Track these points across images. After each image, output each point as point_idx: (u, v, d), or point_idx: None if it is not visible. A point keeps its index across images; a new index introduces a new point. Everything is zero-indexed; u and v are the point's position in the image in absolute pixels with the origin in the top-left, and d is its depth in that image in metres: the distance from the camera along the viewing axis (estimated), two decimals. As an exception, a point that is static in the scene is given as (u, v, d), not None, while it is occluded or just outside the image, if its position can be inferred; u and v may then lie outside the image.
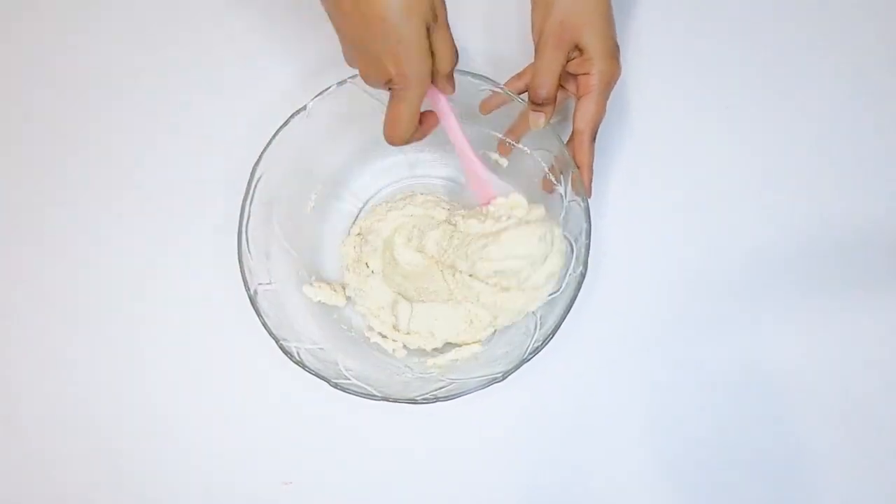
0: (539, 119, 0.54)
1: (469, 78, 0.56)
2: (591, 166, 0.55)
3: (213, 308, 0.61)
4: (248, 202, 0.55)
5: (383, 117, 0.47)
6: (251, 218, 0.55)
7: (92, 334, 0.62)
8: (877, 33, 0.66)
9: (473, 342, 0.58)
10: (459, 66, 0.56)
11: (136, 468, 0.59)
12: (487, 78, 0.56)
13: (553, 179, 0.57)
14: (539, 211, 0.55)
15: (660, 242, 0.62)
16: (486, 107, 0.59)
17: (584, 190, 0.54)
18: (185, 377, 0.61)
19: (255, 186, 0.55)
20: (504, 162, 0.61)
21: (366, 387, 0.52)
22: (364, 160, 0.63)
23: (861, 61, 0.65)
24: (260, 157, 0.55)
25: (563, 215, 0.57)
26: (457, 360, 0.57)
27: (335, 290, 0.60)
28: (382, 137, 0.61)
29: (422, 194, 0.62)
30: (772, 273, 0.61)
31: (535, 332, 0.54)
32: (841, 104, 0.65)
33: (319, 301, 0.58)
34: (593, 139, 0.55)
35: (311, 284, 0.59)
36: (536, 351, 0.51)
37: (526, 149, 0.59)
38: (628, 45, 0.65)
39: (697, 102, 0.65)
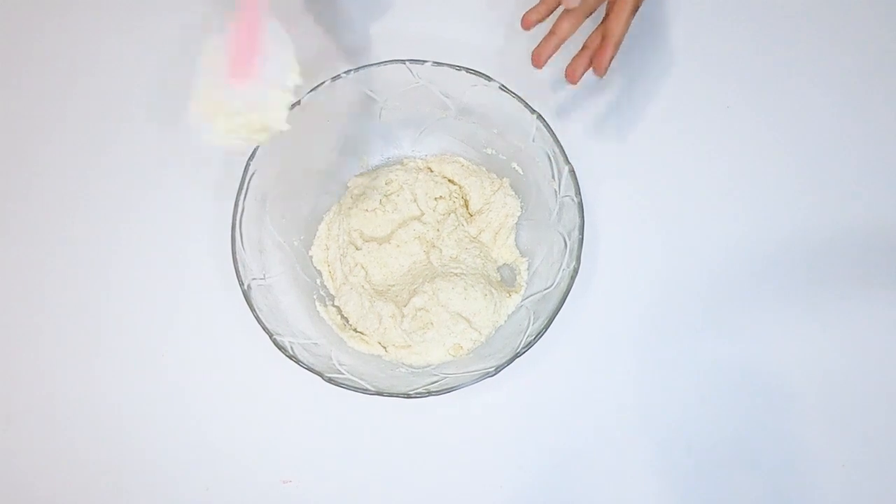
0: None
1: (464, 74, 0.56)
2: (619, 43, 0.52)
3: (210, 305, 0.61)
4: (241, 197, 0.55)
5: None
6: (244, 213, 0.55)
7: (84, 333, 0.62)
8: (878, 34, 0.66)
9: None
10: (453, 62, 0.56)
11: (134, 468, 0.59)
12: (481, 73, 0.56)
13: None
14: None
15: (656, 239, 0.62)
16: (528, 21, 0.56)
17: (599, 69, 0.51)
18: (184, 376, 0.60)
19: (249, 182, 0.55)
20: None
21: (359, 381, 0.52)
22: (356, 154, 0.63)
23: (862, 61, 0.65)
24: (253, 152, 0.55)
25: (556, 211, 0.57)
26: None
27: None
28: (376, 133, 0.62)
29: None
30: (770, 272, 0.61)
31: (528, 327, 0.54)
32: (840, 105, 0.64)
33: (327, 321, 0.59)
34: (634, 11, 0.52)
35: (325, 305, 0.59)
36: (530, 345, 0.51)
37: (521, 145, 0.59)
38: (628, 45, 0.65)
39: (695, 102, 0.65)
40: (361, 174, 0.63)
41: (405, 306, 0.57)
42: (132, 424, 0.60)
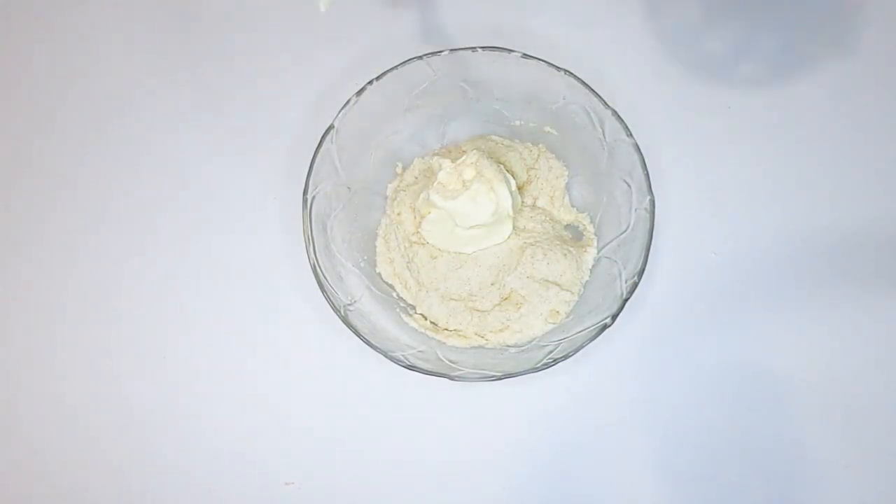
0: None
1: (482, 53, 0.57)
2: None
3: (210, 315, 0.62)
4: (308, 227, 0.54)
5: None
6: (315, 243, 0.54)
7: (94, 335, 0.62)
8: (882, 33, 0.65)
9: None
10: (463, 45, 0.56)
11: (137, 470, 0.59)
12: (499, 47, 0.57)
13: None
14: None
15: (659, 239, 0.61)
16: None
17: None
18: (186, 378, 0.60)
19: (311, 212, 0.54)
20: None
21: (483, 371, 0.52)
22: (388, 163, 0.63)
23: (866, 59, 0.64)
24: (307, 182, 0.55)
25: (606, 158, 0.58)
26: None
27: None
28: (402, 137, 0.61)
29: None
30: (774, 272, 0.60)
31: (621, 273, 0.54)
32: (846, 103, 0.64)
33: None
34: None
35: (409, 315, 0.59)
36: (635, 286, 0.52)
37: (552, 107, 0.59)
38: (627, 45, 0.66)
39: (698, 101, 0.64)
40: (398, 181, 0.63)
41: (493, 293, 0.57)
42: (134, 426, 0.60)
